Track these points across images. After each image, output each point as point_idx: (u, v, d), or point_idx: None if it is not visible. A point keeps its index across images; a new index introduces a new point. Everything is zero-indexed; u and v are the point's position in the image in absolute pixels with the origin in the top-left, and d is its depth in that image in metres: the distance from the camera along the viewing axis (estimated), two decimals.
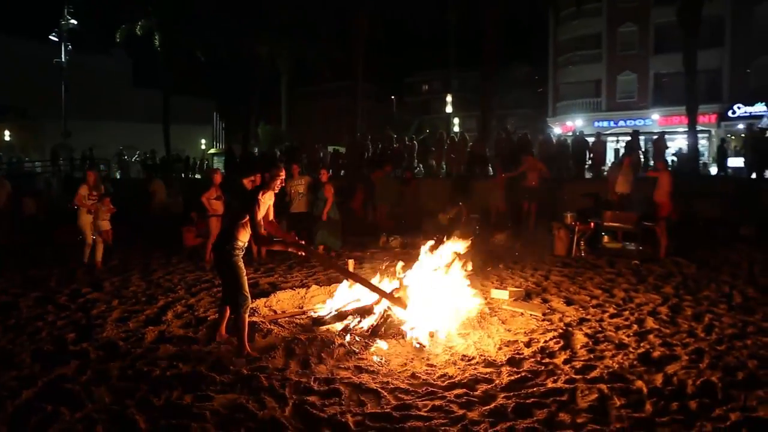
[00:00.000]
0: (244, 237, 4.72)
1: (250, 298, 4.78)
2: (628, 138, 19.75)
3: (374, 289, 5.32)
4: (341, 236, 10.31)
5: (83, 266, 8.69)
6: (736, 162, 20.06)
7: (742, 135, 23.12)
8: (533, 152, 14.56)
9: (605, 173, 16.53)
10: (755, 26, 27.46)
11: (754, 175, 15.27)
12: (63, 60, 27.60)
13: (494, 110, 19.98)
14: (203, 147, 39.20)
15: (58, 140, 28.03)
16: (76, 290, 7.16)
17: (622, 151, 19.96)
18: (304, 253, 5.00)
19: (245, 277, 4.76)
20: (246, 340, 4.72)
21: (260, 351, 4.71)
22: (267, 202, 4.77)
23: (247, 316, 4.74)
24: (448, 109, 30.65)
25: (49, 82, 30.68)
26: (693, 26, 17.69)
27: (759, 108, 26.47)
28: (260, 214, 4.65)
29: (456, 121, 33.67)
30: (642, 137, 27.01)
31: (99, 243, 8.81)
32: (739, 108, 27.31)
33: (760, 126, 20.36)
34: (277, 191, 4.82)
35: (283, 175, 4.78)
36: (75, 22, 27.70)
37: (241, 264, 4.75)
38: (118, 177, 25.66)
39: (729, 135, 26.50)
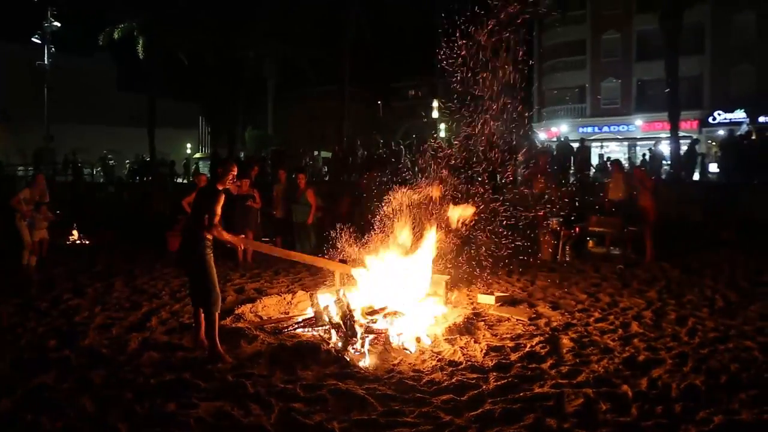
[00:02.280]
0: (210, 234, 4.72)
1: (220, 296, 4.78)
2: (650, 148, 19.97)
3: (318, 261, 5.33)
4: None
5: (21, 269, 8.49)
6: (716, 167, 20.40)
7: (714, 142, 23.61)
8: (548, 152, 13.90)
9: (590, 179, 16.71)
10: (734, 34, 28.02)
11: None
12: (46, 62, 27.23)
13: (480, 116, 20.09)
14: (188, 151, 38.91)
15: (41, 144, 27.62)
16: (57, 296, 7.04)
17: (607, 157, 20.23)
18: (241, 246, 5.33)
19: (216, 277, 4.75)
20: (218, 341, 4.66)
21: (246, 358, 4.66)
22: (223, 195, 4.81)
23: (218, 316, 4.72)
24: (434, 114, 30.80)
25: (32, 84, 30.23)
26: (674, 34, 18.00)
27: (738, 115, 26.97)
28: (219, 207, 4.67)
29: (442, 126, 33.82)
30: (626, 143, 27.37)
31: (35, 251, 8.66)
32: (719, 114, 27.80)
33: (739, 133, 20.77)
34: (228, 186, 4.87)
35: (234, 170, 4.85)
36: (58, 25, 27.35)
37: (213, 263, 4.73)
38: (102, 181, 25.36)
39: (710, 141, 26.95)
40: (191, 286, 4.99)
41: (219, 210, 4.66)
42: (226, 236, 4.90)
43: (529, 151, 16.80)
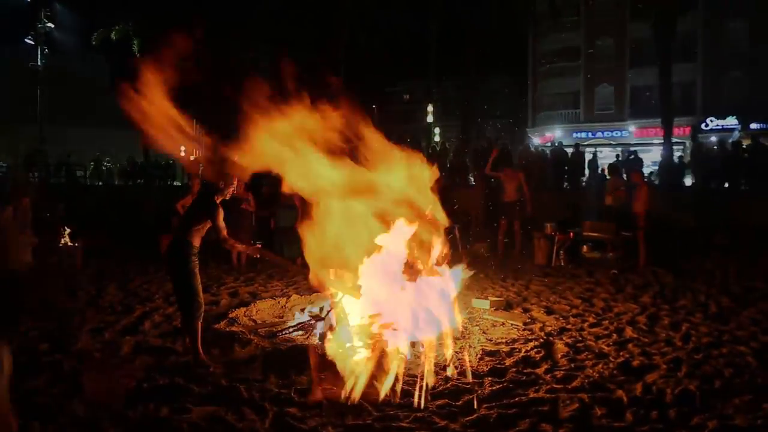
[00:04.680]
0: (197, 242, 4.61)
1: (203, 305, 4.65)
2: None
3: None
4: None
5: None
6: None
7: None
8: (512, 162, 14.20)
9: (584, 183, 16.78)
10: (726, 41, 28.31)
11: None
12: (39, 64, 27.09)
13: (475, 120, 20.23)
14: (182, 153, 38.75)
15: (33, 145, 27.44)
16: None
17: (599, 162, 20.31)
18: (256, 255, 5.31)
19: (200, 285, 4.60)
20: (201, 349, 4.59)
21: (240, 362, 4.63)
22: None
23: (200, 324, 4.61)
24: (429, 118, 30.86)
25: (24, 85, 30.05)
26: (667, 41, 18.17)
27: (730, 121, 27.23)
28: (221, 219, 4.57)
29: (437, 130, 33.89)
30: (620, 149, 27.48)
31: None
32: (711, 121, 28.04)
33: (731, 139, 20.99)
34: (227, 198, 4.76)
35: (235, 184, 4.74)
36: (51, 26, 27.24)
37: (197, 270, 4.58)
38: (92, 184, 25.21)
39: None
40: (174, 292, 4.89)
41: (222, 223, 4.54)
42: (240, 247, 4.85)
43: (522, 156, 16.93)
